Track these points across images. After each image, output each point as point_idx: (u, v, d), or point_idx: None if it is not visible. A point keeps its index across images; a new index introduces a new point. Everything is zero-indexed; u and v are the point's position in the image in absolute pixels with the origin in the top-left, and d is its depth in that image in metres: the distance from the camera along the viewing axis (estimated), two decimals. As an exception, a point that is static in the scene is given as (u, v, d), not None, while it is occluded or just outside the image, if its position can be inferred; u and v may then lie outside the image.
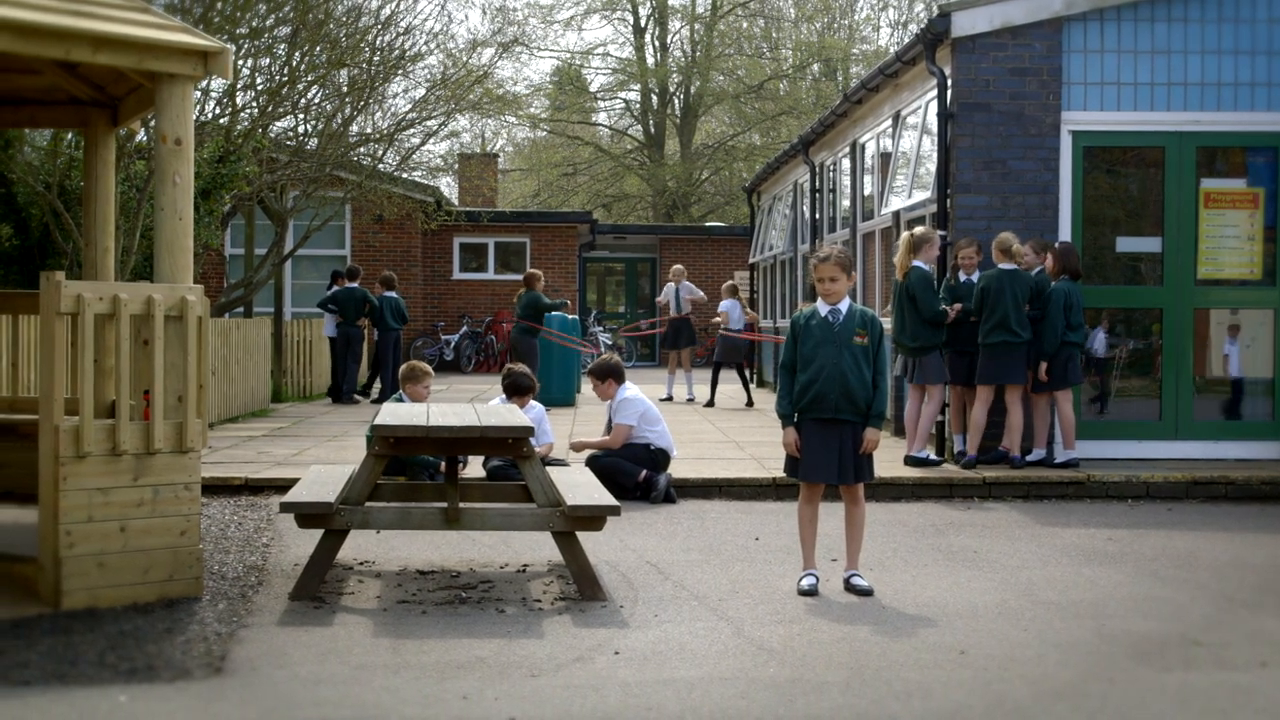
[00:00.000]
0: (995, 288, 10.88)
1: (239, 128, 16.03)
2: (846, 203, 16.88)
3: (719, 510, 9.81)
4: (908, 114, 13.51)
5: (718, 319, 19.25)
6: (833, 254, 6.98)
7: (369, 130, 20.10)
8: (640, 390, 10.77)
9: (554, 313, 18.23)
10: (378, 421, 7.09)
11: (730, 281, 20.30)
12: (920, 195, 12.80)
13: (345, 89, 18.01)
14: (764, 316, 23.57)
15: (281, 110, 16.96)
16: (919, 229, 11.37)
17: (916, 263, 11.04)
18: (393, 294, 19.21)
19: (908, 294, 11.00)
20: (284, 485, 9.95)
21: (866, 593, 6.86)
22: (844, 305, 6.99)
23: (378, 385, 19.30)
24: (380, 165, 20.45)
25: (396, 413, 7.66)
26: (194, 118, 7.81)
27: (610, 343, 29.83)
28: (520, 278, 27.92)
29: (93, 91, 7.89)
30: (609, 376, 10.73)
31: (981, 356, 11.01)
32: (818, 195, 18.74)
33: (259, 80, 16.76)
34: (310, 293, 25.22)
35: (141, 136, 14.02)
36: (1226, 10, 11.50)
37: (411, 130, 20.41)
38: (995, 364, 10.93)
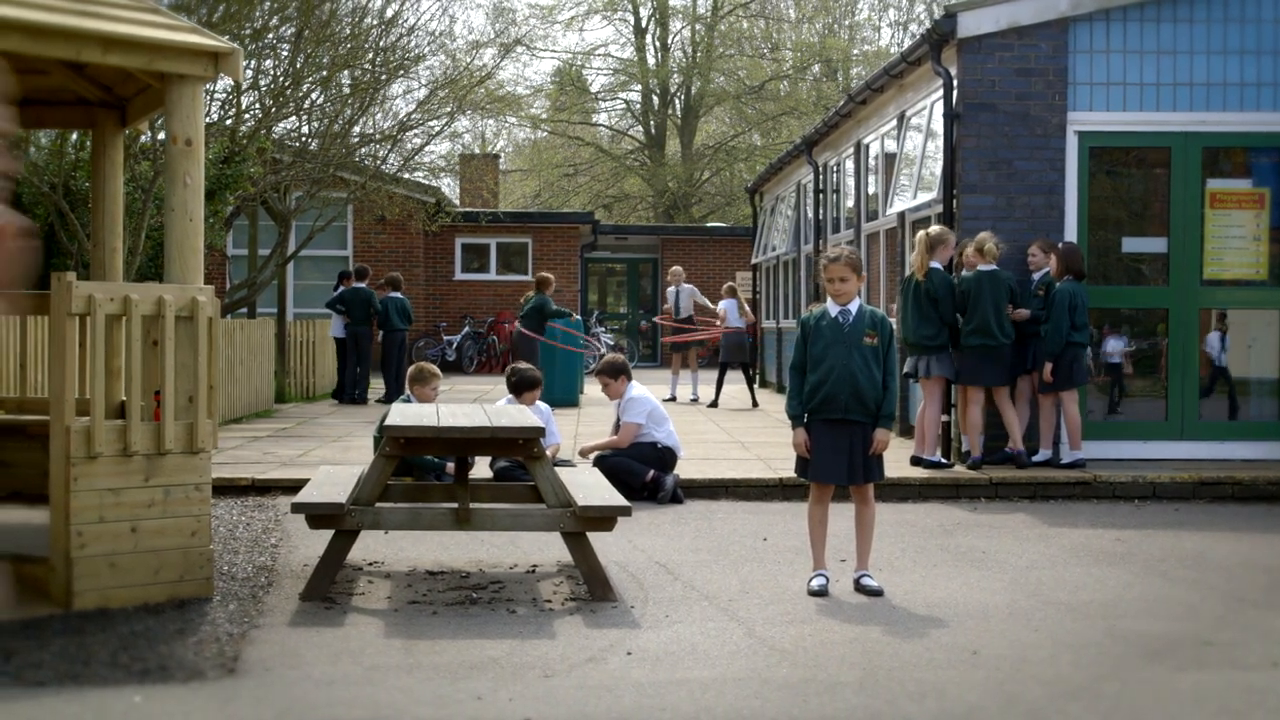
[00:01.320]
0: (975, 290, 10.87)
1: (243, 129, 16.03)
2: (850, 203, 16.87)
3: (726, 510, 9.81)
4: (912, 114, 13.50)
5: (714, 321, 19.26)
6: (843, 254, 6.99)
7: (371, 131, 20.10)
8: (647, 390, 10.79)
9: (558, 319, 18.27)
10: (388, 422, 7.09)
11: (730, 283, 20.32)
12: (925, 196, 12.79)
13: (348, 90, 18.01)
14: (767, 317, 23.55)
15: (285, 111, 16.96)
16: (934, 228, 11.29)
17: (934, 264, 10.99)
18: (398, 294, 19.22)
19: (929, 296, 10.95)
20: (291, 486, 9.95)
21: (877, 593, 6.86)
22: (854, 306, 6.99)
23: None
24: (383, 166, 20.46)
25: (406, 413, 7.66)
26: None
27: (612, 343, 29.86)
28: (524, 278, 28.09)
29: (100, 92, 7.89)
30: (620, 374, 10.77)
31: (962, 358, 11.00)
32: (821, 195, 18.73)
33: (263, 82, 16.77)
34: (313, 293, 25.23)
35: (146, 137, 14.02)
36: (1232, 10, 11.50)
37: (414, 131, 20.44)
38: (975, 367, 10.91)
